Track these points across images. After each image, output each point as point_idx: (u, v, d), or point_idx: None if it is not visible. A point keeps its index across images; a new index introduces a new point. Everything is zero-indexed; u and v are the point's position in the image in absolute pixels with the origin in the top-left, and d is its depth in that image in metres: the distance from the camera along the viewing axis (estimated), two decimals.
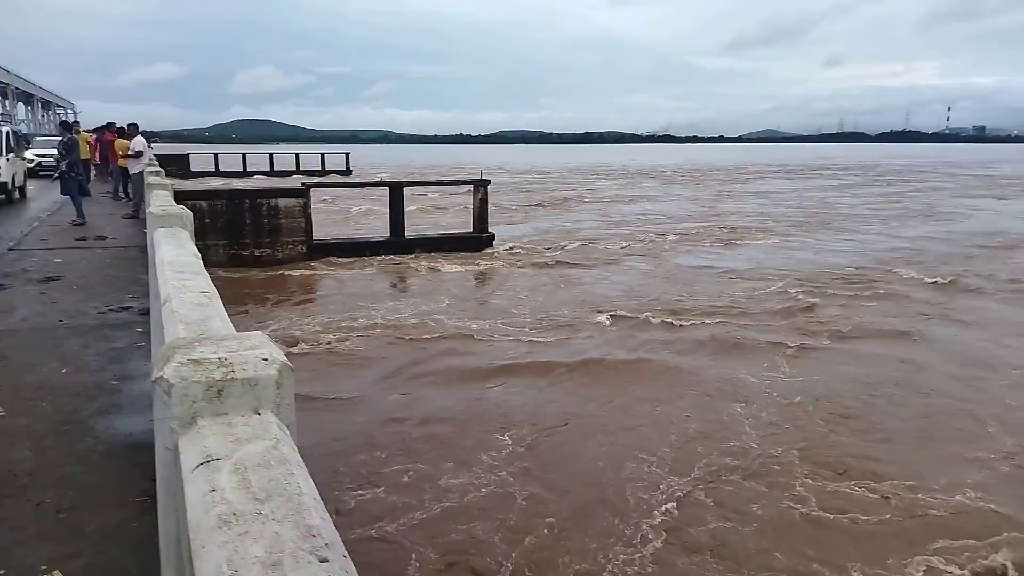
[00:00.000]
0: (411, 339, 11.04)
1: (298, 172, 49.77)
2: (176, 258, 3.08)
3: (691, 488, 6.43)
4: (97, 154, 20.99)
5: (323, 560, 0.94)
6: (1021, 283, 15.42)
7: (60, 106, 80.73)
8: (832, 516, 6.03)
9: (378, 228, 20.87)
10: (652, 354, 10.43)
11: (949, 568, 5.32)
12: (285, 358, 1.45)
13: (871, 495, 6.37)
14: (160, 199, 6.18)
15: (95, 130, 22.60)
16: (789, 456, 7.07)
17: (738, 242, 21.91)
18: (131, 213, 13.97)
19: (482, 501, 6.20)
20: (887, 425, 7.90)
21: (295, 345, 10.54)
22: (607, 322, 12.03)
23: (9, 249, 9.69)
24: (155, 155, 21.71)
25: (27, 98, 67.93)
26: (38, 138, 29.34)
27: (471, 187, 20.27)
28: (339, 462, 6.86)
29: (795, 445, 7.31)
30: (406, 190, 19.96)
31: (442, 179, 31.12)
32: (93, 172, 21.71)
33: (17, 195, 16.56)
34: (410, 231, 19.67)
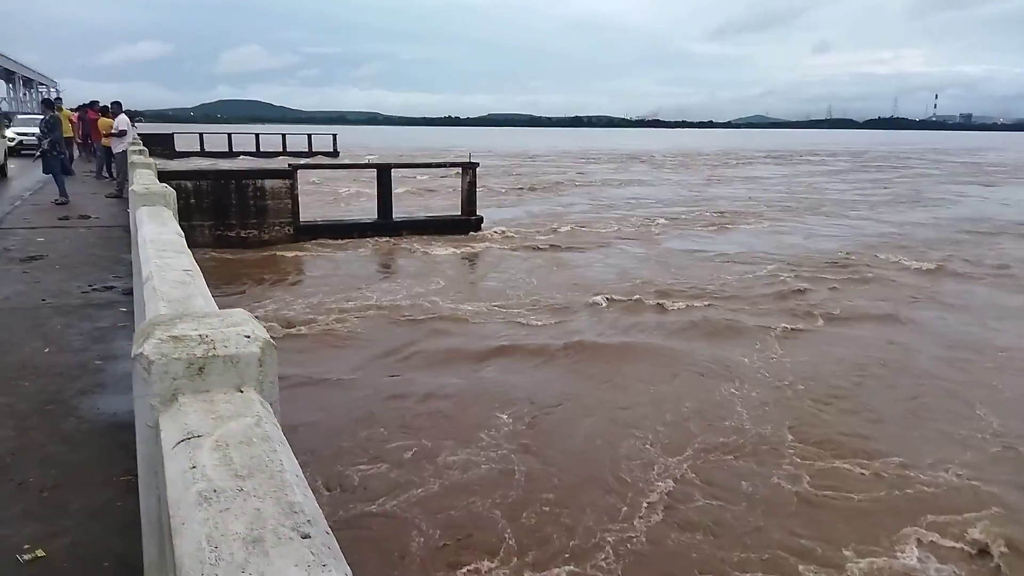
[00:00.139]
0: (409, 320, 11.07)
1: (285, 153, 49.32)
2: (158, 236, 3.03)
3: (685, 466, 6.50)
4: (80, 133, 20.67)
5: (305, 536, 0.92)
6: (1006, 268, 15.64)
7: (42, 84, 79.42)
8: (824, 493, 6.11)
9: (367, 210, 20.76)
10: (646, 335, 10.50)
11: (940, 543, 5.40)
12: (267, 335, 1.43)
13: (862, 472, 6.46)
14: (143, 178, 6.09)
15: (78, 108, 22.24)
16: (781, 435, 7.16)
17: (729, 226, 22.00)
18: (115, 192, 13.80)
19: (482, 477, 6.27)
20: (877, 405, 8.01)
21: (293, 326, 10.54)
22: (601, 304, 12.08)
23: None
24: (139, 135, 21.45)
25: (8, 76, 66.78)
26: (20, 116, 28.86)
27: (459, 170, 20.17)
28: (343, 439, 6.94)
29: (787, 424, 7.40)
30: (394, 172, 19.84)
31: (430, 161, 30.95)
32: (77, 151, 21.40)
33: None
34: (398, 213, 19.58)
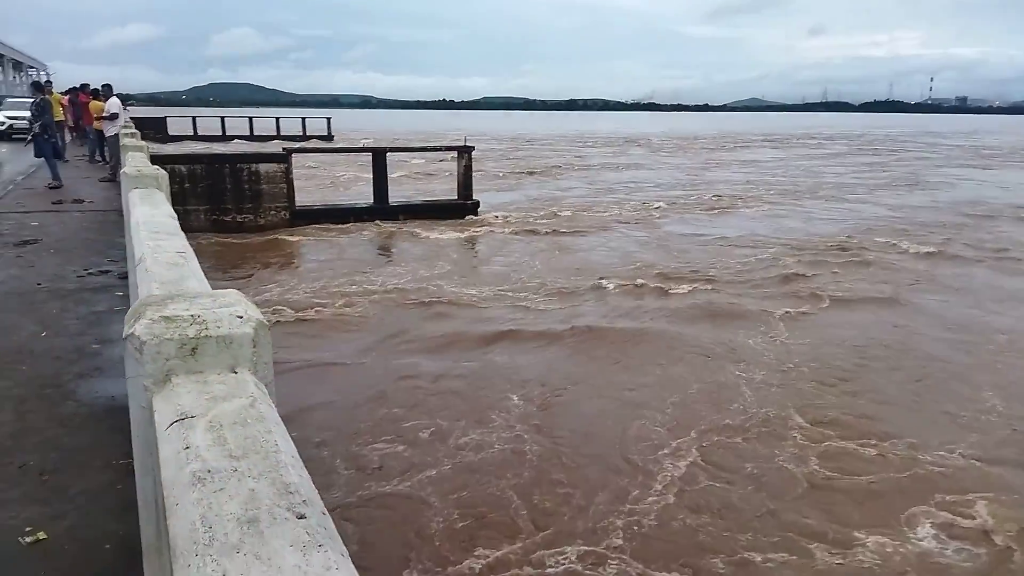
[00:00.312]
0: (416, 303, 11.12)
1: (279, 137, 49.05)
2: (151, 219, 3.01)
3: (694, 448, 6.53)
4: (71, 116, 20.43)
5: (300, 517, 0.91)
6: (1005, 251, 15.65)
7: (32, 67, 78.53)
8: (832, 474, 6.14)
9: (365, 195, 20.69)
10: (651, 319, 10.54)
11: (951, 523, 5.43)
12: (261, 316, 1.42)
13: (870, 453, 6.50)
14: (135, 160, 6.04)
15: (68, 92, 22.00)
16: (788, 417, 7.20)
17: (728, 210, 21.98)
18: (108, 176, 13.71)
19: (495, 457, 6.35)
20: (882, 387, 8.06)
21: (303, 310, 10.58)
22: (606, 287, 12.11)
23: None
24: (132, 118, 21.23)
25: None
26: (9, 100, 28.55)
27: (455, 153, 20.08)
28: (359, 419, 7.04)
29: (792, 405, 7.44)
30: (390, 156, 19.73)
31: (426, 145, 30.80)
32: (69, 135, 21.18)
33: None
34: (394, 198, 19.50)
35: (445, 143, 26.85)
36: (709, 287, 12.23)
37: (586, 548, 5.12)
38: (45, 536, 2.54)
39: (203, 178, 16.71)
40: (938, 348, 9.38)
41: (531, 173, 33.27)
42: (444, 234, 17.09)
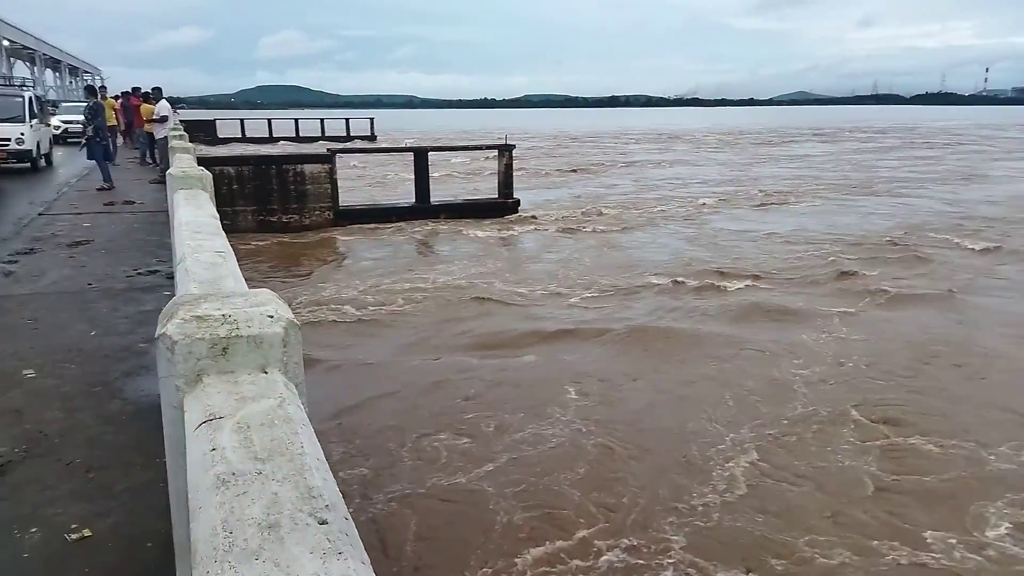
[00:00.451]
0: (471, 299, 11.24)
1: (324, 138, 49.80)
2: (194, 219, 3.04)
3: (753, 445, 6.45)
4: (122, 119, 20.96)
5: (322, 522, 0.89)
6: None
7: (87, 72, 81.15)
8: (895, 473, 5.99)
9: (410, 193, 20.87)
10: (705, 315, 10.44)
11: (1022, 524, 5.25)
12: (291, 315, 1.40)
13: (934, 451, 6.32)
14: (181, 162, 6.17)
15: (120, 96, 22.66)
16: (847, 413, 7.05)
17: (777, 206, 21.59)
18: (158, 178, 14.07)
19: (555, 452, 6.38)
20: (944, 384, 7.84)
21: (363, 308, 10.77)
22: (657, 284, 12.04)
23: (39, 214, 9.81)
24: (182, 121, 21.73)
25: (54, 64, 68.25)
26: (65, 104, 29.51)
27: (496, 152, 20.08)
28: (422, 410, 7.20)
29: (852, 403, 7.28)
30: (431, 156, 19.84)
31: (468, 144, 30.89)
32: (120, 139, 21.76)
33: (43, 163, 16.27)
34: (436, 197, 19.60)
35: (486, 142, 26.92)
36: (762, 284, 12.05)
37: (642, 543, 5.10)
38: (90, 533, 2.56)
39: (250, 179, 17.04)
40: (1001, 345, 9.03)
41: (574, 170, 33.10)
42: (491, 232, 17.14)
